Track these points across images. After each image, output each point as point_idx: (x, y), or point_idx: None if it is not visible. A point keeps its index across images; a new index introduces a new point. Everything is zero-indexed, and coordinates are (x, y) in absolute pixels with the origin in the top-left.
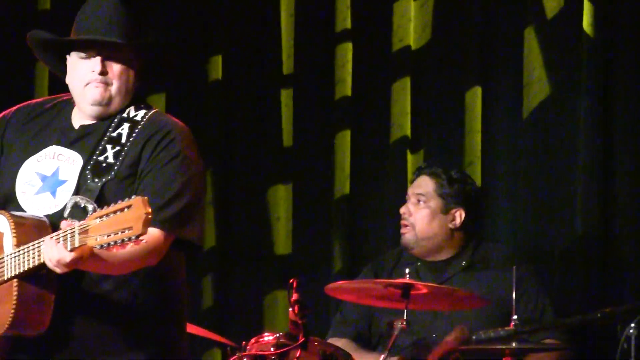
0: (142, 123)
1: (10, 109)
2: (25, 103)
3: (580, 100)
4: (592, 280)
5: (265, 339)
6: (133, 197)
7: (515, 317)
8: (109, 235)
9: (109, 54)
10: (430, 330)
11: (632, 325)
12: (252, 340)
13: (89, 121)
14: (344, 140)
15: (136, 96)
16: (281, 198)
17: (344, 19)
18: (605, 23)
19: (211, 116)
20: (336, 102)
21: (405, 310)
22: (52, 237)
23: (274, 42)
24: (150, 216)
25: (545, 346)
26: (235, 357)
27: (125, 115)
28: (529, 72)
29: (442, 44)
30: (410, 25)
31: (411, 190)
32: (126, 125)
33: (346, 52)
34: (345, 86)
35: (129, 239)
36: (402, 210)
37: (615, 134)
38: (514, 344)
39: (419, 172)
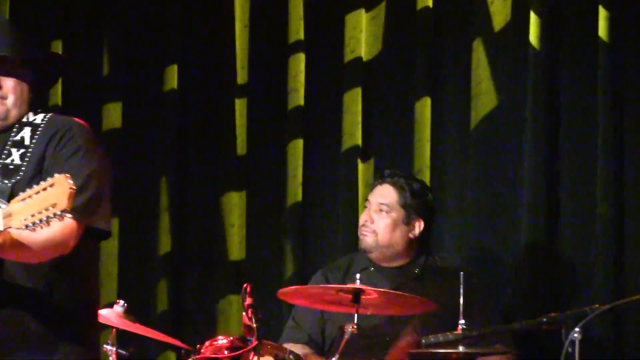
0: (42, 125)
1: None
2: None
3: (526, 110)
4: (538, 287)
5: (219, 342)
6: (55, 175)
7: (462, 321)
8: (33, 215)
9: (1, 70)
10: (381, 335)
11: (577, 329)
12: (207, 344)
13: None
14: (297, 149)
15: (32, 105)
16: (235, 205)
17: (297, 31)
18: (551, 36)
19: (167, 124)
20: (289, 111)
21: (356, 315)
22: None
23: (229, 53)
24: (73, 191)
25: (491, 350)
26: (190, 359)
27: (25, 120)
28: (476, 83)
29: (392, 56)
30: (362, 37)
31: (373, 199)
32: (27, 129)
33: (299, 63)
34: (298, 96)
35: (54, 215)
36: (365, 218)
37: (560, 143)
38: (461, 348)
39: (382, 180)
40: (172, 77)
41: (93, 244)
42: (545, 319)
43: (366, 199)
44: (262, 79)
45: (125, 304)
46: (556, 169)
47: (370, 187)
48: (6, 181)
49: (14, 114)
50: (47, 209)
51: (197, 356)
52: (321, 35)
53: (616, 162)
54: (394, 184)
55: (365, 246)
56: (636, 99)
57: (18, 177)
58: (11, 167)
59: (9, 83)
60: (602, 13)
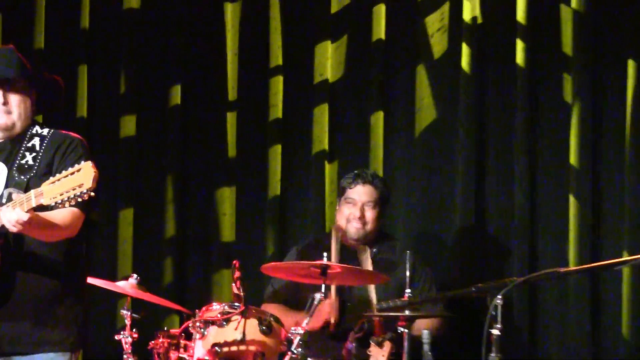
0: (48, 137)
1: None
2: None
3: (459, 122)
4: (468, 262)
5: (214, 307)
6: (82, 162)
7: (408, 291)
8: (61, 194)
9: (8, 88)
10: (344, 301)
11: (499, 297)
12: (203, 309)
13: (5, 138)
14: (276, 152)
15: (34, 119)
16: (226, 198)
17: (277, 58)
18: (478, 63)
19: (172, 133)
20: (270, 122)
21: (323, 285)
22: (8, 205)
23: (222, 75)
24: (97, 174)
25: (430, 313)
26: (189, 321)
27: (34, 132)
28: (419, 100)
29: (352, 78)
30: (328, 63)
31: (358, 197)
32: (37, 139)
33: (278, 84)
34: (277, 110)
35: (81, 194)
36: (355, 213)
37: (486, 147)
38: (407, 312)
39: (364, 181)
40: (176, 95)
41: (86, 231)
42: (474, 289)
43: (345, 197)
44: (248, 96)
45: (138, 277)
46: (483, 167)
47: (350, 186)
48: (22, 177)
49: (18, 125)
50: (74, 189)
51: (196, 318)
52: (296, 61)
53: (530, 162)
54: (372, 184)
55: (358, 235)
56: (545, 111)
57: (31, 174)
58: (26, 166)
59: (14, 99)
60: (520, 44)
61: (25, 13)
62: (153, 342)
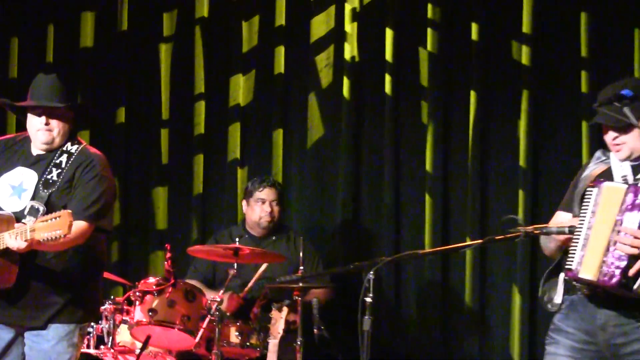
0: (74, 154)
1: None
2: None
3: (341, 138)
4: (348, 245)
5: (150, 280)
6: (62, 210)
7: (302, 268)
8: (48, 233)
9: (50, 112)
10: (251, 276)
11: (371, 273)
12: (142, 281)
13: (41, 152)
14: (199, 160)
15: (71, 135)
16: (160, 195)
17: (200, 86)
18: (357, 91)
19: (118, 145)
20: (195, 137)
21: (235, 264)
22: (10, 234)
23: (157, 99)
24: (72, 222)
25: (318, 285)
26: (131, 291)
27: (64, 149)
28: (310, 121)
29: (259, 102)
30: (240, 91)
31: (267, 197)
32: (65, 156)
33: (201, 106)
34: (200, 127)
35: (61, 237)
36: (268, 209)
37: (361, 158)
38: (300, 284)
39: (270, 185)
40: (121, 115)
41: (102, 237)
42: (352, 266)
43: (256, 198)
44: (177, 116)
45: None
46: (359, 173)
47: (259, 187)
48: (46, 190)
49: (57, 141)
50: (55, 231)
51: (136, 289)
52: (215, 89)
53: (395, 169)
54: (275, 186)
55: (268, 226)
56: (407, 130)
57: (54, 189)
58: (50, 181)
59: (55, 122)
60: (387, 78)
61: (1, 49)
62: (102, 307)
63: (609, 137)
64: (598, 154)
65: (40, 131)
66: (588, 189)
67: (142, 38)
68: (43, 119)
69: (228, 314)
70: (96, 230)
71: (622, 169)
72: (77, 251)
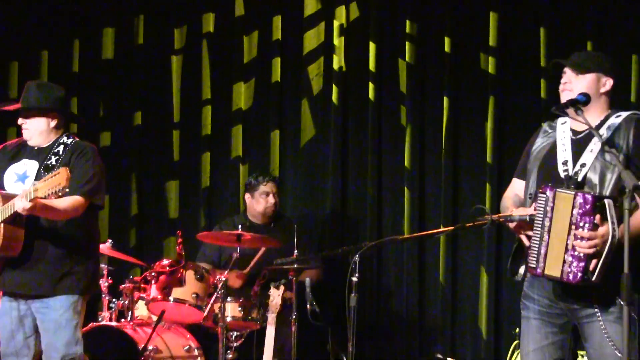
0: (70, 145)
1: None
2: (4, 144)
3: (330, 138)
4: (336, 232)
5: (164, 262)
6: (61, 168)
7: (296, 251)
8: (50, 189)
9: (25, 113)
10: (252, 258)
11: (357, 255)
12: (157, 263)
13: (40, 146)
14: (207, 157)
15: (65, 131)
16: (173, 188)
17: (207, 92)
18: (343, 98)
19: (135, 144)
20: (202, 137)
21: (239, 248)
22: (17, 198)
23: (169, 104)
24: (69, 177)
25: (311, 267)
26: (147, 272)
27: (61, 141)
28: (303, 123)
29: (259, 107)
30: (242, 97)
31: (270, 190)
32: (62, 146)
33: (208, 110)
34: (207, 129)
35: (60, 189)
36: (272, 200)
37: (348, 155)
38: (295, 265)
39: (272, 180)
40: (138, 118)
41: (93, 212)
42: (340, 250)
43: (260, 191)
44: (187, 119)
45: (112, 242)
46: (346, 167)
47: (263, 182)
48: (46, 173)
49: (36, 139)
50: (56, 186)
51: (152, 270)
52: (220, 95)
53: (378, 164)
54: (274, 181)
55: (275, 214)
56: (388, 131)
57: (53, 172)
58: (50, 165)
59: (29, 120)
60: (371, 86)
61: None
62: (122, 286)
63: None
64: (545, 127)
65: (22, 128)
66: (540, 194)
67: (156, 50)
68: (20, 119)
69: (236, 287)
70: (90, 208)
71: (564, 148)
72: (76, 224)
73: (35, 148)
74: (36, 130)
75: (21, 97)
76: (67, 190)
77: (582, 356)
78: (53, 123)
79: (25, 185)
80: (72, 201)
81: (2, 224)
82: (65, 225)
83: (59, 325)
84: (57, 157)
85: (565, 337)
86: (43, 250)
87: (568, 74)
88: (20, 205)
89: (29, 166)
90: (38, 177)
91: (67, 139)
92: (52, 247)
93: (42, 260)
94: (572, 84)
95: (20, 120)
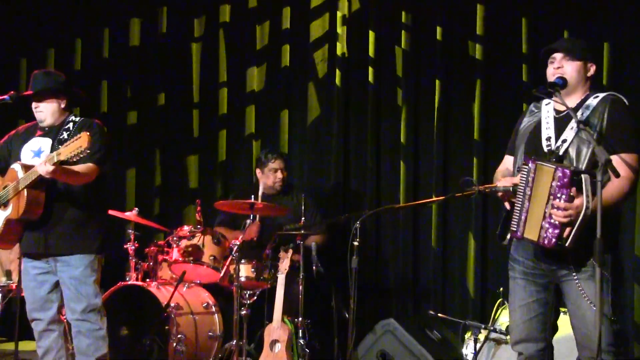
0: (78, 122)
1: (12, 132)
2: (15, 129)
3: (334, 117)
4: (340, 201)
5: (184, 228)
6: (82, 133)
7: (303, 218)
8: (73, 152)
9: (38, 98)
10: (266, 224)
11: (358, 222)
12: (178, 229)
13: (47, 126)
14: (223, 134)
15: (71, 112)
16: (193, 162)
17: (223, 75)
18: (346, 81)
19: (159, 122)
20: (219, 115)
21: (251, 215)
22: (40, 163)
23: (189, 86)
24: (91, 139)
25: (316, 232)
26: (169, 237)
27: (69, 120)
28: (310, 103)
29: (269, 89)
30: (254, 80)
31: (278, 166)
32: (71, 124)
33: (224, 92)
34: (224, 108)
35: (82, 151)
36: (280, 176)
37: (350, 133)
38: (302, 231)
39: (281, 156)
40: (161, 98)
41: (103, 178)
42: (343, 217)
43: (270, 167)
44: (205, 99)
45: (138, 209)
46: (348, 144)
47: (272, 159)
48: (60, 146)
49: (49, 118)
50: (78, 149)
51: (174, 235)
52: (234, 78)
53: (377, 141)
54: (283, 158)
55: (283, 187)
56: (385, 110)
57: (73, 137)
58: (63, 140)
59: (42, 104)
60: (370, 70)
61: (67, 47)
62: (147, 249)
63: (551, 68)
64: (531, 107)
65: (35, 112)
66: (523, 166)
67: (178, 38)
68: (34, 103)
69: (253, 236)
70: (99, 175)
71: (547, 126)
72: (89, 189)
73: (47, 127)
74: (49, 111)
75: (30, 84)
76: (89, 151)
77: (565, 312)
78: (63, 104)
79: (41, 159)
80: (86, 167)
81: (25, 189)
82: (80, 190)
83: (79, 281)
84: (68, 132)
85: (547, 295)
86: (62, 213)
87: (559, 59)
88: (44, 169)
89: (43, 143)
90: (53, 150)
91: (75, 117)
92: (69, 210)
93: (61, 223)
94: (564, 68)
95: (34, 104)
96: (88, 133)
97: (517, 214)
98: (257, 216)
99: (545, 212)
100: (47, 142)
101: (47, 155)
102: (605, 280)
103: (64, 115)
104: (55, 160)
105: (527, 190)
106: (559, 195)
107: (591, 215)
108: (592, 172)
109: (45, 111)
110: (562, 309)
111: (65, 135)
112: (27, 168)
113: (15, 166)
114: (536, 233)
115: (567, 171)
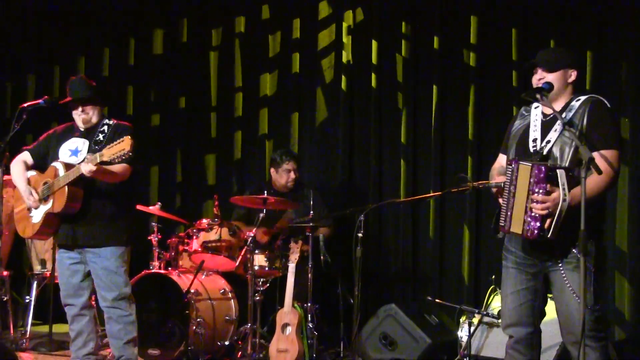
0: (112, 125)
1: (50, 131)
2: (53, 129)
3: (340, 118)
4: (345, 196)
5: (203, 221)
6: (125, 136)
7: (312, 212)
8: (115, 154)
9: (84, 102)
10: (277, 217)
11: (362, 215)
12: (198, 222)
13: (84, 127)
14: (238, 135)
15: (104, 114)
16: (210, 160)
17: (239, 80)
18: (351, 86)
19: (179, 124)
20: (234, 118)
21: (264, 209)
22: (85, 161)
23: (208, 91)
24: (133, 143)
25: (324, 225)
26: (189, 229)
27: (104, 122)
28: (318, 107)
29: (280, 93)
30: (267, 85)
31: (292, 166)
32: (106, 127)
33: (239, 96)
34: (239, 111)
35: (125, 154)
36: (293, 176)
37: (354, 133)
38: (311, 224)
39: (293, 157)
40: (182, 102)
41: (133, 176)
42: (348, 210)
43: (283, 168)
44: (223, 103)
45: (161, 204)
46: (353, 143)
47: (286, 160)
48: (97, 147)
49: (93, 121)
50: (120, 151)
51: (193, 227)
52: (249, 83)
53: (379, 140)
54: (295, 158)
55: (291, 185)
56: (387, 113)
57: (102, 146)
58: (99, 141)
59: (88, 107)
60: (374, 76)
61: (97, 55)
62: (169, 240)
63: (535, 78)
64: (522, 111)
65: (79, 116)
66: (508, 166)
67: (197, 47)
68: (80, 108)
69: (263, 242)
70: (131, 176)
71: (535, 128)
72: (121, 186)
73: (83, 129)
74: (92, 115)
75: (70, 90)
76: (131, 154)
77: (552, 298)
78: (103, 108)
79: (78, 158)
80: (122, 167)
81: (67, 186)
82: (114, 187)
83: (110, 272)
84: (103, 134)
85: (536, 283)
86: (97, 209)
87: (540, 71)
88: (87, 168)
89: (79, 143)
90: (90, 151)
91: (109, 120)
92: (104, 206)
93: (96, 217)
94: (546, 79)
95: (80, 108)
96: (130, 137)
97: (504, 211)
98: (266, 225)
99: (526, 207)
100: (84, 143)
101: (90, 156)
102: (589, 270)
103: (100, 118)
104: (98, 161)
105: (511, 188)
106: (536, 189)
107: (573, 207)
108: (568, 167)
109: (91, 114)
110: (550, 295)
111: (100, 136)
112: (68, 166)
113: (57, 164)
114: (520, 227)
115: (543, 167)
